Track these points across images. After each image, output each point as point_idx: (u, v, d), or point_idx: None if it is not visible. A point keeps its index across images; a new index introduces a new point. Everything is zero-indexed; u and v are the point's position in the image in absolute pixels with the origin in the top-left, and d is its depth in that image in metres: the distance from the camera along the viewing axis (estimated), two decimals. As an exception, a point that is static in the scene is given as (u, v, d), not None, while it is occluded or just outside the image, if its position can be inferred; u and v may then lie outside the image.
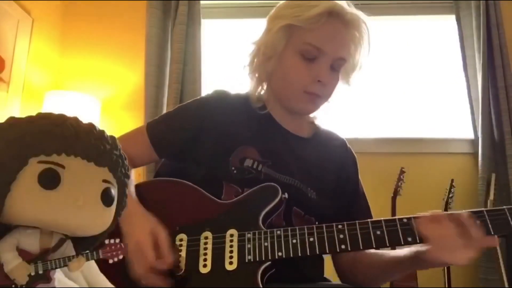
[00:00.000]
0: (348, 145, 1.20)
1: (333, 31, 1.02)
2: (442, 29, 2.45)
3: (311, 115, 1.17)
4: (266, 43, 1.07)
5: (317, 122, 1.19)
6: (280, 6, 1.08)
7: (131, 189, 1.01)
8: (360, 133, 2.29)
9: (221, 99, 1.13)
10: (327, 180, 1.10)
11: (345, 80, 1.11)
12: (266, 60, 1.09)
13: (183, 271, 0.89)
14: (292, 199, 1.02)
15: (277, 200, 0.94)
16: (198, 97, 1.16)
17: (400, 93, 2.42)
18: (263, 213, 0.93)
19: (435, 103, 2.38)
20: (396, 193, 1.93)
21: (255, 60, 1.12)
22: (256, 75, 1.13)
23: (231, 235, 0.91)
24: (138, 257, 0.87)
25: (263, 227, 0.91)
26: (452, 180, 1.95)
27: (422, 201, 2.05)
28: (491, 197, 1.98)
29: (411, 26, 2.50)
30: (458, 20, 2.29)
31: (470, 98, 2.22)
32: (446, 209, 1.90)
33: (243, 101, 1.14)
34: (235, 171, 1.02)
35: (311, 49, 1.02)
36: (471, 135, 2.23)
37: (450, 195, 1.92)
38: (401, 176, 1.96)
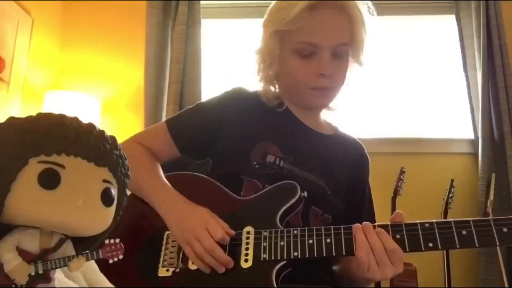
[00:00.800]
0: (366, 150, 1.21)
1: (319, 23, 1.02)
2: (442, 29, 2.45)
3: (327, 110, 1.17)
4: (263, 50, 1.10)
5: (333, 118, 1.20)
6: (269, 11, 1.09)
7: (164, 180, 1.02)
8: (361, 133, 2.29)
9: (240, 96, 1.14)
10: (342, 179, 1.11)
11: (356, 62, 1.10)
12: (268, 66, 1.10)
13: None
14: (312, 198, 1.02)
15: (295, 198, 0.94)
16: (219, 95, 1.16)
17: (400, 93, 2.42)
18: (281, 211, 0.92)
19: (435, 103, 2.38)
20: (396, 193, 1.93)
21: (260, 67, 1.13)
22: (266, 80, 1.13)
23: (248, 232, 0.91)
24: (205, 233, 0.87)
25: (280, 226, 0.91)
26: (452, 180, 1.95)
27: (422, 201, 2.05)
28: (491, 197, 1.98)
29: (411, 26, 2.50)
30: (458, 20, 2.29)
31: (470, 98, 2.22)
32: (446, 209, 1.90)
33: (261, 98, 1.14)
34: (257, 166, 1.03)
35: (304, 47, 1.02)
36: (471, 135, 2.23)
37: (450, 195, 1.92)
38: (401, 176, 1.96)
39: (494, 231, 0.80)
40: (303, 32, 1.02)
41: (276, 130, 1.09)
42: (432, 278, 1.90)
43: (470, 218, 0.83)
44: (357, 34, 1.05)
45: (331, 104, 1.16)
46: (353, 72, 1.12)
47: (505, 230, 0.80)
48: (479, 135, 2.12)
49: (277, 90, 1.15)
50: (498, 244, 0.81)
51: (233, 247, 0.89)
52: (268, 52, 1.08)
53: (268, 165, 1.03)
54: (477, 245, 0.81)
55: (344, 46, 1.04)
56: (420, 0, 2.44)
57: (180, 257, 0.92)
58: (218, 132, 1.08)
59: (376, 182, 2.01)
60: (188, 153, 1.14)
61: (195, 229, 0.89)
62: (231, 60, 2.50)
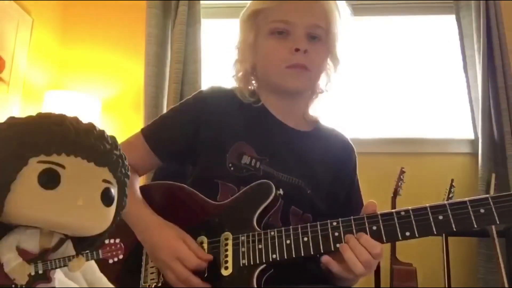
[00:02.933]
0: (351, 143, 1.18)
1: (293, 3, 1.04)
2: (442, 29, 2.44)
3: (312, 113, 1.15)
4: (240, 43, 1.11)
5: (319, 120, 1.17)
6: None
7: (139, 198, 1.00)
8: (360, 133, 2.29)
9: (215, 95, 1.12)
10: (323, 175, 1.08)
11: (331, 53, 1.09)
12: (244, 57, 1.10)
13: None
14: (290, 198, 1.01)
15: (270, 198, 0.92)
16: (192, 96, 1.14)
17: (400, 93, 2.42)
18: (258, 212, 0.91)
19: (435, 103, 2.38)
20: (396, 193, 1.93)
21: (237, 62, 1.13)
22: (240, 74, 1.12)
23: (226, 239, 0.90)
24: (177, 264, 0.86)
25: (257, 228, 0.90)
26: (452, 180, 1.95)
27: (422, 201, 2.02)
28: (491, 197, 1.98)
29: (411, 26, 2.50)
30: (458, 20, 2.29)
31: (470, 98, 2.22)
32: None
33: (235, 95, 1.12)
34: (232, 168, 1.01)
35: (278, 25, 1.03)
36: (471, 135, 2.23)
37: (450, 195, 1.92)
38: (401, 176, 1.96)
39: (471, 213, 0.78)
40: (277, 11, 1.04)
41: (251, 129, 1.07)
42: (432, 278, 1.89)
43: (446, 202, 0.81)
44: (331, 21, 1.06)
45: (313, 112, 1.14)
46: (328, 72, 1.12)
47: (482, 211, 0.78)
48: (479, 135, 2.12)
49: (254, 87, 1.14)
50: (476, 226, 0.78)
51: (212, 255, 0.88)
52: (244, 40, 1.09)
53: (243, 167, 1.01)
54: (454, 229, 0.79)
55: (319, 29, 1.04)
56: (420, 0, 2.44)
57: (161, 272, 0.92)
58: (196, 135, 1.06)
59: (376, 182, 2.02)
60: (169, 160, 1.12)
61: (166, 260, 0.88)
62: (231, 60, 2.50)
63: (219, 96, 1.13)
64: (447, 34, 2.39)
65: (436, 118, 2.36)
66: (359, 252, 0.82)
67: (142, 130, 1.12)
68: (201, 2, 2.38)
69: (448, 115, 2.36)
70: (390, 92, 2.42)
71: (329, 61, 1.11)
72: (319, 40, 1.05)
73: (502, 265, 1.77)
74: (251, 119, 1.09)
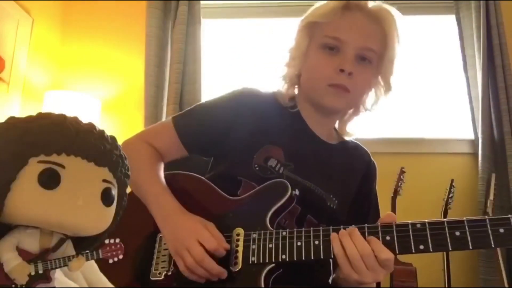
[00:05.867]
0: (372, 158, 1.19)
1: (350, 21, 1.03)
2: (442, 29, 2.45)
3: (349, 130, 1.16)
4: (293, 47, 1.10)
5: (351, 137, 1.18)
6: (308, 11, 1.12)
7: (163, 184, 1.00)
8: (361, 133, 2.29)
9: (250, 97, 1.12)
10: (349, 190, 1.09)
11: (384, 78, 1.10)
12: (294, 62, 1.10)
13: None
14: (309, 206, 1.01)
15: (285, 197, 0.92)
16: (229, 93, 1.14)
17: (400, 93, 2.42)
18: (271, 211, 0.91)
19: (435, 103, 2.38)
20: (396, 193, 1.93)
21: (286, 65, 1.13)
22: (288, 79, 1.12)
23: (238, 234, 0.90)
24: (196, 245, 0.86)
25: (269, 227, 0.90)
26: (452, 180, 1.95)
27: (422, 201, 2.05)
28: (491, 197, 1.98)
29: (411, 26, 2.50)
30: (458, 20, 2.29)
31: (470, 98, 2.22)
32: (446, 209, 1.90)
33: (273, 99, 1.13)
34: (257, 168, 1.01)
35: (331, 41, 1.03)
36: (471, 135, 2.23)
37: (450, 195, 1.92)
38: (401, 176, 1.96)
39: (490, 232, 0.75)
40: (332, 27, 1.03)
41: (283, 133, 1.08)
42: (432, 278, 1.90)
43: (464, 218, 0.78)
44: (387, 47, 1.05)
45: (349, 129, 1.15)
46: (378, 94, 1.12)
47: (501, 230, 0.75)
48: (479, 135, 2.12)
49: (295, 92, 1.14)
50: (493, 246, 0.75)
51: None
52: (297, 46, 1.09)
53: (268, 169, 1.01)
54: (471, 248, 0.76)
55: (371, 52, 1.03)
56: (420, 0, 2.44)
57: (172, 261, 0.92)
58: (228, 133, 1.06)
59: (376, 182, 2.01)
60: (196, 152, 1.13)
61: (185, 240, 0.88)
62: (231, 60, 2.50)
63: (257, 99, 1.13)
64: (447, 34, 2.39)
65: (436, 118, 2.36)
66: (351, 246, 0.80)
67: (174, 118, 1.12)
68: (201, 2, 2.38)
69: (448, 115, 2.36)
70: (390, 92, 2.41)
71: (381, 82, 1.11)
72: (369, 62, 1.05)
73: (502, 265, 1.77)
74: (285, 124, 1.10)
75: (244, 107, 1.09)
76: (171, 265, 0.92)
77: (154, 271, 0.92)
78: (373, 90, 1.13)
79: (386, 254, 0.79)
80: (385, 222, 0.83)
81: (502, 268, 1.77)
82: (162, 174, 1.05)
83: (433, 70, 2.42)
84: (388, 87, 1.12)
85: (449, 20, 2.36)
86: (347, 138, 1.18)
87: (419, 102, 2.39)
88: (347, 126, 1.16)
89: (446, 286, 1.79)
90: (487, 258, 1.97)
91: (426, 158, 2.25)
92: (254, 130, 1.06)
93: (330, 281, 1.05)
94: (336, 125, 1.19)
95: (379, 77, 1.11)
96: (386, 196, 1.93)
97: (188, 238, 0.88)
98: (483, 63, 2.11)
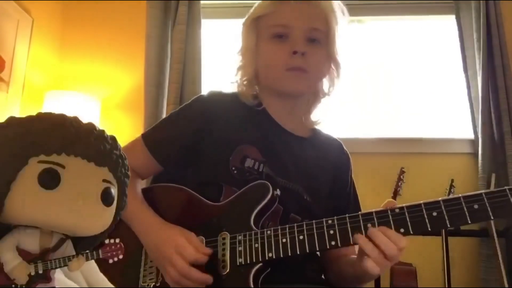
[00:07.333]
0: (345, 147, 1.19)
1: (293, 7, 1.06)
2: (442, 29, 2.45)
3: (314, 118, 1.16)
4: (242, 46, 1.13)
5: (319, 126, 1.18)
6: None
7: (141, 200, 1.01)
8: (360, 133, 2.29)
9: (217, 100, 1.13)
10: (323, 181, 1.09)
11: (331, 56, 1.10)
12: (248, 62, 1.11)
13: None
14: (289, 204, 1.01)
15: (267, 198, 0.92)
16: (192, 100, 1.14)
17: (400, 93, 2.42)
18: (255, 212, 0.91)
19: (435, 103, 2.38)
20: (396, 193, 1.93)
21: (240, 67, 1.14)
22: (244, 79, 1.13)
23: (223, 238, 0.90)
24: (178, 258, 0.87)
25: (254, 228, 0.90)
26: (452, 180, 1.95)
27: (422, 201, 2.04)
28: (491, 197, 1.97)
29: (411, 26, 2.50)
30: (458, 20, 2.29)
31: (470, 98, 2.22)
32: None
33: (238, 99, 1.13)
34: (235, 171, 1.01)
35: (278, 29, 1.06)
36: (471, 135, 2.22)
37: (450, 195, 1.92)
38: (401, 176, 1.96)
39: (465, 209, 0.78)
40: (276, 16, 1.07)
41: (255, 131, 1.08)
42: (432, 278, 1.89)
43: (440, 198, 0.81)
44: (330, 25, 1.07)
45: (314, 117, 1.15)
46: (332, 77, 1.13)
47: (476, 206, 0.78)
48: (479, 135, 2.11)
49: (256, 91, 1.14)
50: (469, 222, 0.78)
51: (210, 255, 0.89)
52: (246, 45, 1.12)
53: (246, 171, 1.01)
54: (448, 226, 0.79)
55: (318, 32, 1.06)
56: (420, 0, 2.44)
57: (160, 273, 0.92)
58: (198, 140, 1.06)
59: (376, 182, 2.02)
60: (168, 164, 1.11)
61: (166, 254, 0.88)
62: (231, 60, 2.50)
63: (220, 99, 1.13)
64: (447, 34, 2.39)
65: (436, 118, 2.36)
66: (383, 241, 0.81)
67: (143, 135, 1.13)
68: (201, 2, 2.38)
69: (448, 115, 2.36)
70: (390, 92, 2.42)
71: (332, 66, 1.12)
72: (318, 43, 1.07)
73: (502, 265, 1.77)
74: (253, 122, 1.09)
75: (210, 111, 1.09)
76: (159, 276, 0.92)
77: (142, 283, 0.93)
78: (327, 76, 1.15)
79: (404, 241, 0.80)
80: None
81: (502, 268, 1.77)
82: (139, 190, 1.05)
83: (433, 70, 2.41)
84: (337, 64, 1.12)
85: (449, 20, 2.36)
86: (316, 127, 1.18)
87: (419, 102, 2.39)
88: (312, 115, 1.16)
89: (446, 286, 1.79)
90: (487, 258, 1.97)
91: (426, 158, 2.25)
92: (225, 132, 1.05)
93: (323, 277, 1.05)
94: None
95: (330, 59, 1.12)
96: (386, 196, 1.93)
97: (168, 251, 0.88)
98: (483, 63, 2.11)
